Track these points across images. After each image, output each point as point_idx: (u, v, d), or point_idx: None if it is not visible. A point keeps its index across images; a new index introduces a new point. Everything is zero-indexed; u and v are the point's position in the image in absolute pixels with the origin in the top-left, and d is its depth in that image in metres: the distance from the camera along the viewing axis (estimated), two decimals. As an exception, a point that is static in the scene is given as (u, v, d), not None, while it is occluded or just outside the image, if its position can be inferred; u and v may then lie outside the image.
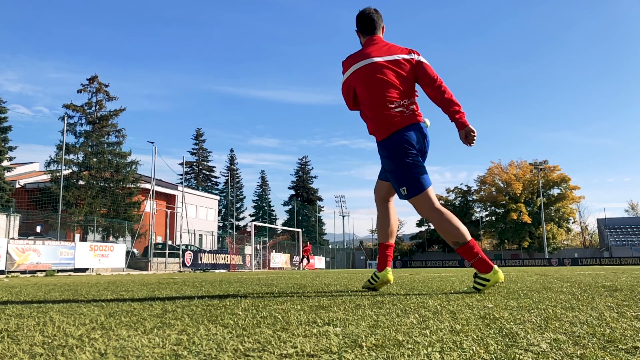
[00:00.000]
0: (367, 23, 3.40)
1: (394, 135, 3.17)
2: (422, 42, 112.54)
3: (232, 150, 64.15)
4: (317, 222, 59.74)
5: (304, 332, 1.58)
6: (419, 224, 63.05)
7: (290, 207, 59.00)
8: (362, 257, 58.69)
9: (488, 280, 3.09)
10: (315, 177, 66.16)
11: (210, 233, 40.82)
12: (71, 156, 28.37)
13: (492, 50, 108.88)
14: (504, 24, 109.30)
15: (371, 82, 3.21)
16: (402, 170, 3.18)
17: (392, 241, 3.62)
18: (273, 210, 62.11)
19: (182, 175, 31.70)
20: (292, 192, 63.60)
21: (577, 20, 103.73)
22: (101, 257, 19.36)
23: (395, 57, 3.28)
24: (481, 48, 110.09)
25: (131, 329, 1.69)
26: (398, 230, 64.52)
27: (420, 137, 3.23)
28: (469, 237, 3.14)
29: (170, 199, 39.00)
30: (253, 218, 60.24)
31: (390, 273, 3.56)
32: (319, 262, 41.66)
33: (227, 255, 27.69)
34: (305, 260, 30.44)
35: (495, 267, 3.11)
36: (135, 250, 27.16)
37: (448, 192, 61.76)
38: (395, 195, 3.51)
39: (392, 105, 3.19)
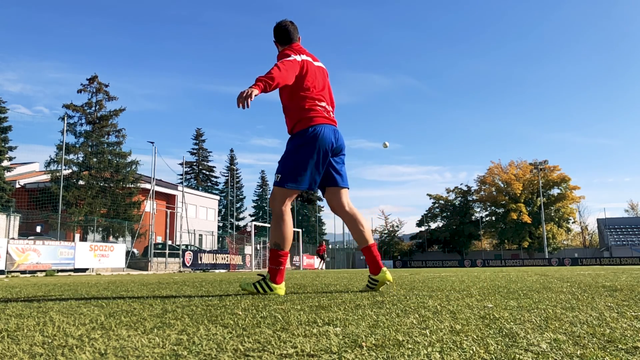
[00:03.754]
0: (284, 34, 3.64)
1: (312, 127, 3.39)
2: (422, 41, 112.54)
3: (232, 150, 63.98)
4: (317, 222, 59.75)
5: (304, 332, 1.58)
6: (419, 224, 63.04)
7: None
8: (362, 257, 58.64)
9: (271, 290, 3.35)
10: (315, 177, 66.04)
11: (210, 233, 40.82)
12: (71, 156, 28.38)
13: (493, 50, 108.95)
14: (505, 25, 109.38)
15: (315, 79, 3.51)
16: (294, 161, 3.38)
17: (372, 241, 3.61)
18: (273, 210, 62.09)
19: (182, 175, 31.72)
20: (292, 192, 63.52)
21: (579, 21, 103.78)
22: (101, 257, 19.36)
23: (321, 64, 3.66)
24: (482, 48, 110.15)
25: (131, 329, 1.69)
26: (397, 230, 64.95)
27: (334, 137, 3.46)
28: (287, 248, 3.42)
29: (170, 199, 39.00)
30: (253, 218, 60.24)
31: (387, 273, 3.51)
32: (319, 262, 41.66)
33: (227, 255, 27.69)
34: (320, 259, 30.82)
35: (283, 284, 3.40)
36: (135, 250, 27.16)
37: (448, 192, 61.69)
38: (346, 193, 3.67)
39: (322, 104, 3.50)
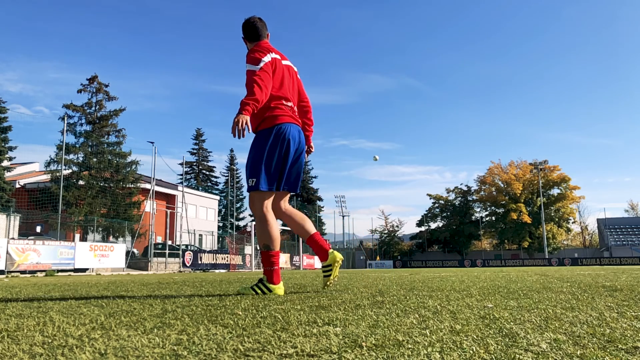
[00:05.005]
0: (252, 30, 3.61)
1: (276, 127, 3.39)
2: (423, 41, 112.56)
3: (232, 150, 63.77)
4: (317, 222, 59.74)
5: (304, 332, 1.58)
6: (419, 224, 63.02)
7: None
8: (362, 257, 58.65)
9: (270, 291, 3.34)
10: (315, 177, 66.18)
11: (210, 233, 40.81)
12: (71, 156, 28.37)
13: (494, 51, 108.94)
14: (504, 24, 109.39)
15: (283, 77, 3.49)
16: (264, 163, 3.37)
17: (314, 230, 3.62)
18: (273, 210, 62.05)
19: (182, 175, 31.75)
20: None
21: (580, 22, 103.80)
22: (101, 257, 19.36)
23: (289, 63, 3.64)
24: (483, 49, 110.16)
25: (131, 329, 1.69)
26: (397, 230, 64.91)
27: (298, 137, 3.49)
28: (277, 248, 3.44)
29: (170, 199, 38.98)
30: (253, 218, 60.03)
31: (335, 252, 3.56)
32: (318, 262, 41.70)
33: (227, 255, 27.69)
34: None
35: (281, 284, 3.41)
36: (135, 250, 27.15)
37: (448, 192, 61.67)
38: (287, 197, 3.69)
39: (288, 103, 3.49)
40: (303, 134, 3.57)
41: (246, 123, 3.09)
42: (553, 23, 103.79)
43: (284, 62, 3.57)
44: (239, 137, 3.08)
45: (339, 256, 3.55)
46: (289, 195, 3.68)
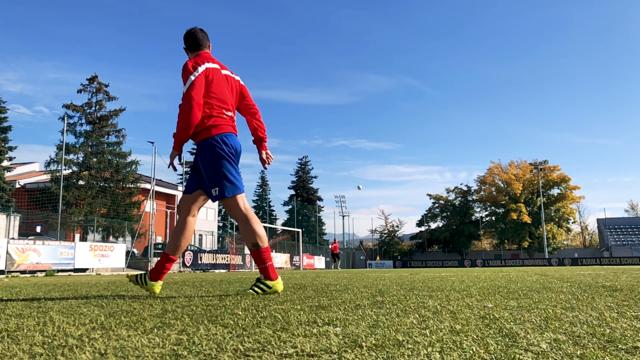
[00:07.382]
0: (193, 41, 3.65)
1: (220, 136, 3.44)
2: (420, 42, 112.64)
3: (232, 150, 63.72)
4: (317, 222, 59.73)
5: (304, 332, 1.58)
6: (419, 224, 63.00)
7: (290, 207, 59.01)
8: (362, 257, 58.63)
9: (270, 288, 3.36)
10: (315, 177, 66.08)
11: (210, 233, 40.79)
12: (71, 156, 28.35)
13: (492, 49, 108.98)
14: (504, 23, 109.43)
15: (220, 87, 3.51)
16: (219, 171, 3.42)
17: (178, 257, 3.61)
18: (273, 210, 62.13)
19: (182, 175, 31.71)
20: (292, 192, 63.58)
21: (578, 19, 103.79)
22: (101, 257, 19.35)
23: (229, 73, 3.67)
24: (481, 47, 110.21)
25: (131, 329, 1.69)
26: (397, 230, 64.93)
27: (239, 146, 3.56)
28: (266, 244, 3.46)
29: (170, 199, 38.99)
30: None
31: (158, 287, 3.53)
32: (318, 262, 41.67)
33: (227, 255, 27.69)
34: (335, 259, 30.30)
35: (279, 278, 3.43)
36: (135, 250, 27.14)
37: (448, 192, 61.64)
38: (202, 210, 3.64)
39: (228, 113, 3.54)
40: (237, 138, 3.62)
41: (174, 158, 3.54)
42: (554, 25, 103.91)
43: (224, 72, 3.59)
44: (175, 170, 3.63)
45: (157, 291, 3.55)
46: (208, 200, 3.70)
